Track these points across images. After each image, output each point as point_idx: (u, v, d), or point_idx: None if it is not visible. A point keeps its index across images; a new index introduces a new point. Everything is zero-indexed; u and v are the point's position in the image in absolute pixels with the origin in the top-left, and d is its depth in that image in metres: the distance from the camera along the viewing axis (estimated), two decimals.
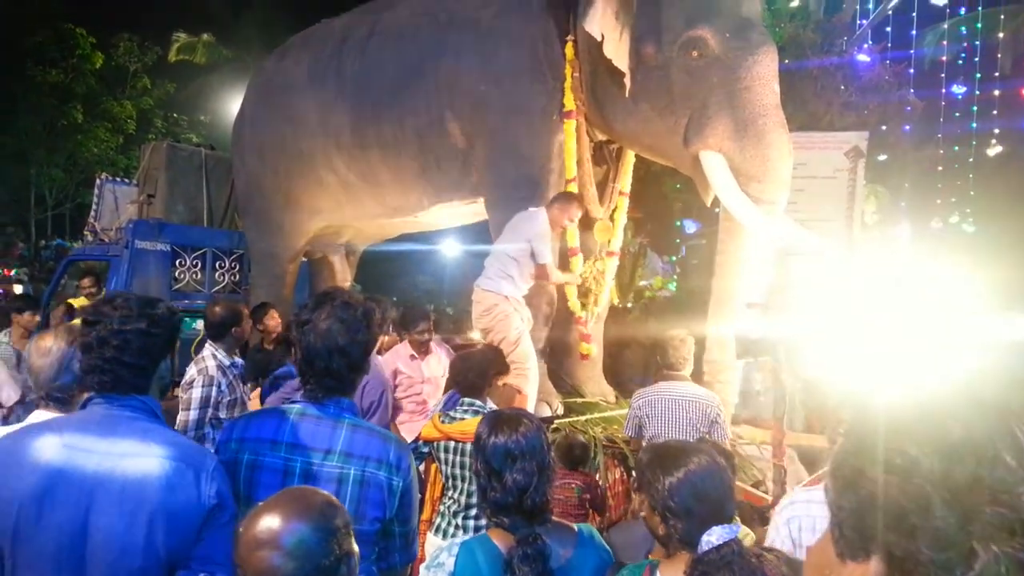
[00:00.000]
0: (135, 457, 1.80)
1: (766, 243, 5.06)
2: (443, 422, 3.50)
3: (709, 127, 4.93)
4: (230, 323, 4.40)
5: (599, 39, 5.09)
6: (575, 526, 2.14)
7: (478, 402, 3.61)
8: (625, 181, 6.35)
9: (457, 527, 3.32)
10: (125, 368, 1.89)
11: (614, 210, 6.34)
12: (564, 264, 5.75)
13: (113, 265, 7.84)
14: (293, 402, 2.20)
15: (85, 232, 9.24)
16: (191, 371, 4.20)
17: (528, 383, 5.06)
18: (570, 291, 5.93)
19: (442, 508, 3.47)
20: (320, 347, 2.12)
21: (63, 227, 22.56)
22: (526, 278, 5.18)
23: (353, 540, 1.55)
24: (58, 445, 1.80)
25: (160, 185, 8.56)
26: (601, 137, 6.01)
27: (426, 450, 3.70)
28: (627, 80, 5.16)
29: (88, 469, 1.77)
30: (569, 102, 5.65)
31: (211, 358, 4.22)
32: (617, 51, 5.15)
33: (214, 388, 4.13)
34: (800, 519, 2.35)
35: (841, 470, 0.64)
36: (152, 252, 7.78)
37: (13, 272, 16.04)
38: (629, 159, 6.31)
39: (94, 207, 8.99)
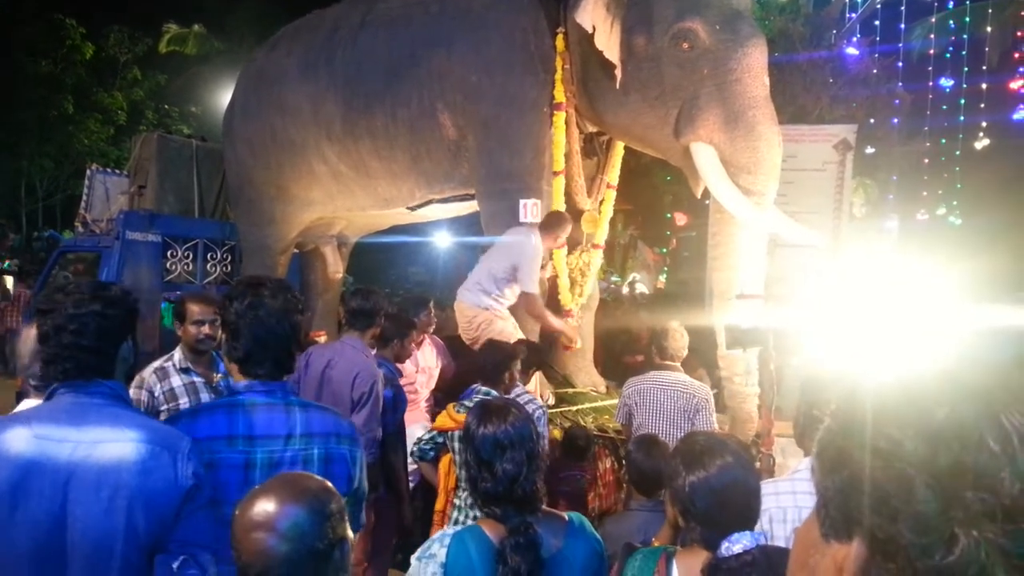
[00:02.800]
0: (109, 443, 1.79)
1: (757, 234, 5.11)
2: (458, 411, 3.52)
3: (699, 119, 4.97)
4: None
5: (590, 31, 5.10)
6: (566, 515, 2.12)
7: (494, 391, 3.63)
8: (613, 174, 6.39)
9: (474, 519, 3.33)
10: (85, 353, 1.87)
11: (601, 202, 6.38)
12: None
13: (104, 256, 7.77)
14: (234, 390, 2.18)
15: (76, 223, 9.18)
16: None
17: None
18: (563, 284, 5.95)
19: (457, 500, 3.44)
20: (275, 324, 2.14)
21: (54, 218, 22.40)
22: (510, 297, 5.23)
23: (348, 526, 1.56)
24: (28, 437, 1.78)
25: (151, 176, 8.51)
26: (591, 129, 6.04)
27: (441, 440, 3.71)
28: (618, 72, 5.18)
29: (61, 459, 1.75)
30: (559, 94, 5.67)
31: (164, 359, 3.70)
32: (608, 43, 5.17)
33: (143, 392, 3.53)
34: (770, 511, 2.42)
35: (826, 452, 0.64)
36: (143, 243, 7.72)
37: (5, 264, 15.96)
38: (618, 151, 6.35)
39: (84, 198, 8.90)
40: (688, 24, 4.96)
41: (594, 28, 5.11)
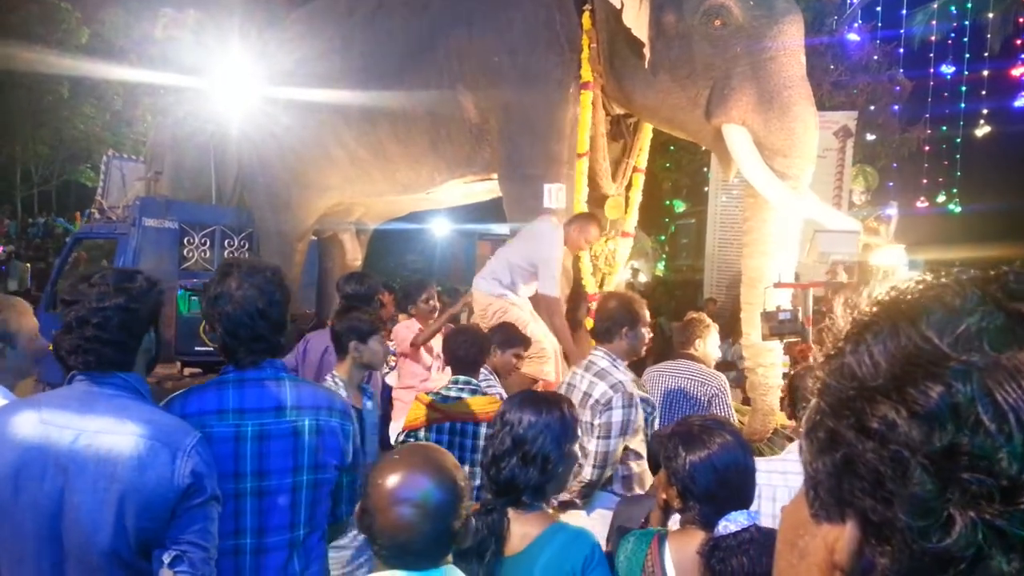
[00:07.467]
0: (109, 434, 1.78)
1: (792, 219, 5.00)
2: (442, 403, 3.37)
3: (732, 99, 4.85)
4: None
5: (619, 6, 4.97)
6: (556, 523, 2.09)
7: (473, 380, 3.49)
8: (641, 157, 6.24)
9: None
10: (107, 346, 1.86)
11: (628, 187, 6.26)
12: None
13: (121, 243, 7.74)
14: (225, 371, 2.19)
15: (92, 209, 9.14)
16: None
17: (546, 364, 4.92)
18: (584, 269, 5.87)
19: None
20: (241, 314, 2.11)
21: (50, 204, 22.27)
22: (524, 292, 5.07)
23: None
24: (35, 421, 1.79)
25: (167, 162, 8.47)
26: (618, 110, 5.90)
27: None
28: (647, 50, 5.05)
29: (63, 445, 1.76)
30: (586, 73, 5.53)
31: None
32: (637, 20, 5.03)
33: None
34: (760, 487, 2.46)
35: (816, 431, 0.61)
36: (160, 230, 7.69)
37: (1, 249, 15.86)
38: (646, 134, 6.21)
39: (101, 184, 8.89)
40: (720, 0, 4.84)
41: (623, 4, 4.98)
